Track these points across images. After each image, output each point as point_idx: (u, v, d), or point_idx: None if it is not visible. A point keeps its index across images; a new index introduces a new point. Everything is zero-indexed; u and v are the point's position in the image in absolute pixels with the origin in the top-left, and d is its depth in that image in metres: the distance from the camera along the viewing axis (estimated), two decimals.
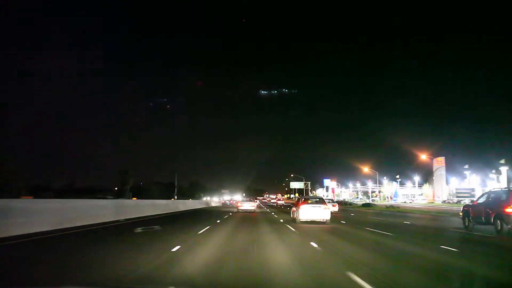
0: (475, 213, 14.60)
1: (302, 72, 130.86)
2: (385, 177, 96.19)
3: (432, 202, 68.59)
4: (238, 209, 32.57)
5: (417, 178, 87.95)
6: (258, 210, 36.16)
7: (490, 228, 13.52)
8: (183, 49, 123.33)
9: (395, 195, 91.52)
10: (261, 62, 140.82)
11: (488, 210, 13.60)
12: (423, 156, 55.95)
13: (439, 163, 75.48)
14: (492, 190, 14.87)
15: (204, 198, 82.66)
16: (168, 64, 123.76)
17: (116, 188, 71.79)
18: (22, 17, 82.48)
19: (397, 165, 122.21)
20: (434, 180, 79.64)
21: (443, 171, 76.27)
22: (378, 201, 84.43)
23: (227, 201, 62.89)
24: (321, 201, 19.16)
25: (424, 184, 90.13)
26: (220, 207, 51.88)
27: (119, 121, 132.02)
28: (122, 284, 5.41)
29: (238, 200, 51.20)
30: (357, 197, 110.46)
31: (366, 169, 71.30)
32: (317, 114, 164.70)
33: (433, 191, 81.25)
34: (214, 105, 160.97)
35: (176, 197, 64.04)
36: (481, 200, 14.76)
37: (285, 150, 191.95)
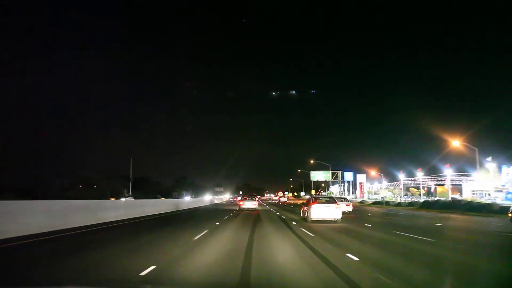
0: None
1: (304, 71, 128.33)
2: (488, 158, 49.31)
3: None
4: (240, 207, 31.92)
5: None
6: (260, 208, 35.31)
7: None
8: (183, 49, 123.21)
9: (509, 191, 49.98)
10: (260, 61, 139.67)
11: None
12: None
13: None
14: None
15: (183, 199, 63.27)
16: (168, 63, 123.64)
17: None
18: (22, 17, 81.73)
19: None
20: None
21: None
22: (477, 198, 47.09)
23: (231, 199, 74.06)
24: (332, 200, 19.27)
25: None
26: (224, 204, 52.88)
27: (116, 120, 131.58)
28: (122, 284, 5.38)
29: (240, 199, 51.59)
30: (405, 195, 77.34)
31: (456, 143, 38.25)
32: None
33: None
34: (212, 104, 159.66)
35: (130, 194, 49.32)
36: None
37: (291, 146, 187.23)
